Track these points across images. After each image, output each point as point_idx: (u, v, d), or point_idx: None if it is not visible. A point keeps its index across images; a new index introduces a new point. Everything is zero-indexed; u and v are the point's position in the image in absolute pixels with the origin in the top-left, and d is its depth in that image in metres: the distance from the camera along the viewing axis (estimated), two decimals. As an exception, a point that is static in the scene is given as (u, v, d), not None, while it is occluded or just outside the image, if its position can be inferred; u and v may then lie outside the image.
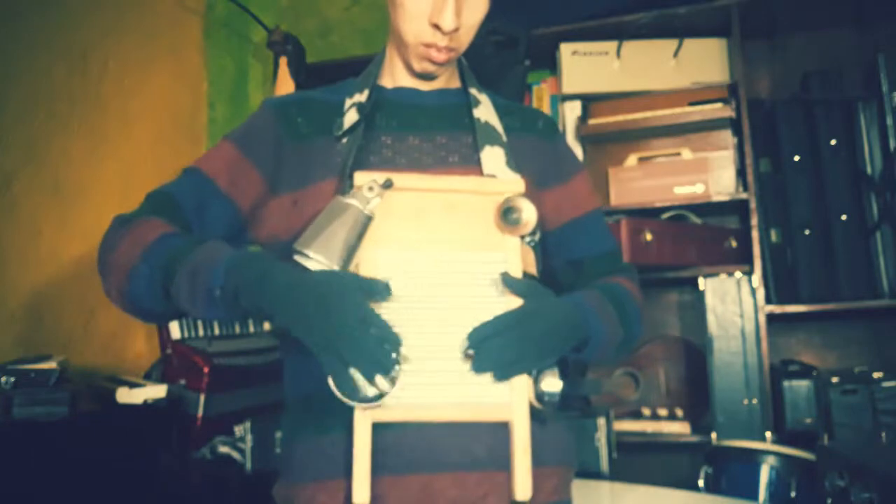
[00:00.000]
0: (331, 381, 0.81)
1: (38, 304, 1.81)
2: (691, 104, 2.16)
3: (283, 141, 1.01)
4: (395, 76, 1.07)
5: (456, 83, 1.11)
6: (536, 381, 0.89)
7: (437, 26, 0.95)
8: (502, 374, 0.87)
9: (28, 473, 1.32)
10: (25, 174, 1.80)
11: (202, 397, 1.76)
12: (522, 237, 0.95)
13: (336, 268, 0.85)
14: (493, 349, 0.86)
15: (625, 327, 0.99)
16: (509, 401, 0.88)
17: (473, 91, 1.08)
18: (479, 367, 0.87)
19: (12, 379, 1.41)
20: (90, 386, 1.79)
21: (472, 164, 1.01)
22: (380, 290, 0.85)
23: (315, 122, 1.02)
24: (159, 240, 0.90)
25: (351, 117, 1.00)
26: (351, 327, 0.79)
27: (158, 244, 0.89)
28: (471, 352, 0.87)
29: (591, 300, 0.97)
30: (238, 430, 1.75)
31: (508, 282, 0.90)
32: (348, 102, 1.02)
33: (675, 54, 2.21)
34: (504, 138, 1.04)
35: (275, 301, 0.82)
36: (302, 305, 0.80)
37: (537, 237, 1.01)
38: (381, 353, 0.79)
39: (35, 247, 1.82)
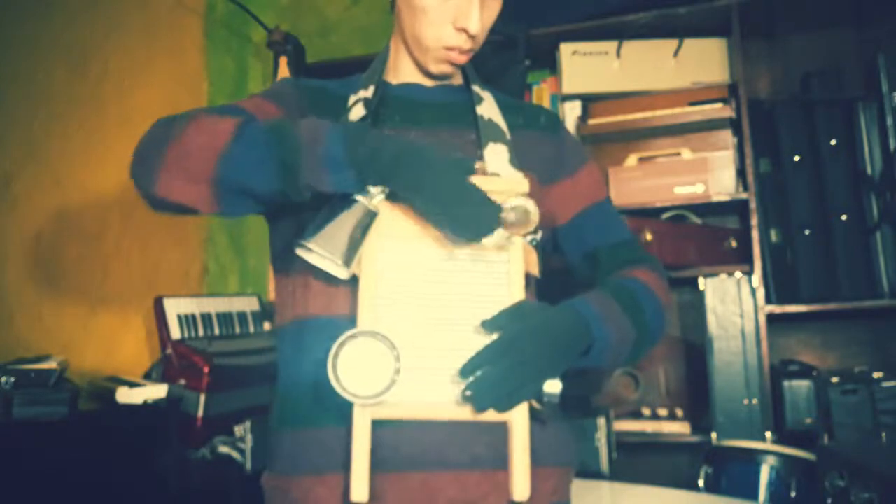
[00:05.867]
0: (331, 377, 0.81)
1: (38, 304, 1.81)
2: (691, 104, 2.16)
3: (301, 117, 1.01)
4: (399, 73, 1.08)
5: (459, 80, 1.11)
6: None
7: (463, 30, 0.97)
8: (506, 406, 0.85)
9: (28, 473, 1.32)
10: (25, 174, 1.80)
11: (202, 397, 1.76)
12: (524, 236, 0.94)
13: (340, 263, 0.85)
14: (486, 385, 0.83)
15: (637, 326, 0.96)
16: None
17: (476, 88, 1.08)
18: (479, 407, 0.84)
19: (12, 379, 1.41)
20: (90, 386, 1.79)
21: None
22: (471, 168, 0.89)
23: (323, 113, 1.02)
24: (248, 121, 0.87)
25: (357, 112, 1.00)
26: (457, 193, 0.85)
27: (249, 123, 0.86)
28: (468, 393, 0.84)
29: (594, 303, 0.94)
30: (238, 430, 1.75)
31: (486, 324, 0.88)
32: (353, 98, 1.03)
33: (675, 54, 2.21)
34: (507, 136, 1.04)
35: (394, 162, 0.84)
36: (416, 169, 0.84)
37: (539, 236, 1.01)
38: (483, 215, 0.85)
39: (35, 246, 1.82)
